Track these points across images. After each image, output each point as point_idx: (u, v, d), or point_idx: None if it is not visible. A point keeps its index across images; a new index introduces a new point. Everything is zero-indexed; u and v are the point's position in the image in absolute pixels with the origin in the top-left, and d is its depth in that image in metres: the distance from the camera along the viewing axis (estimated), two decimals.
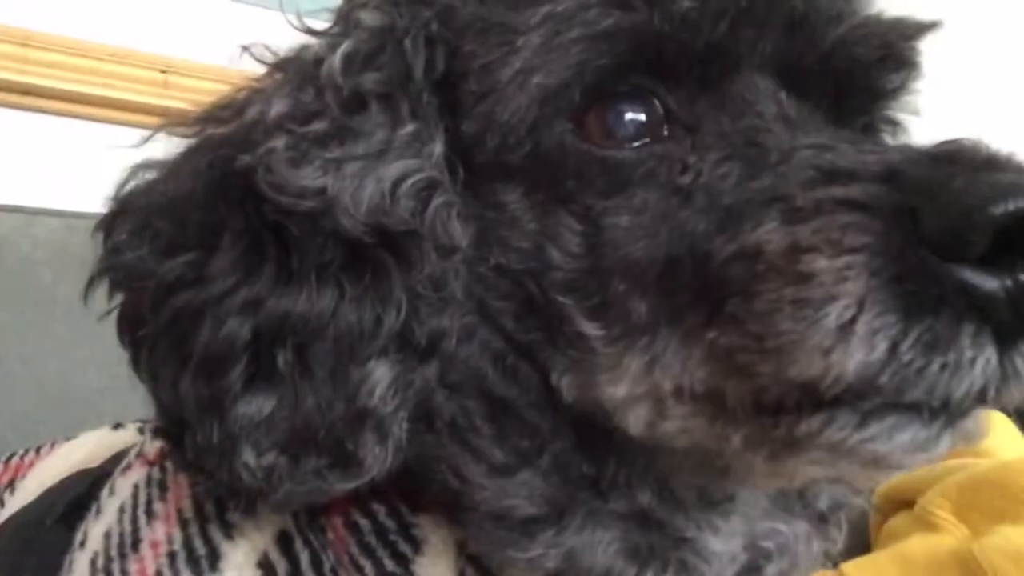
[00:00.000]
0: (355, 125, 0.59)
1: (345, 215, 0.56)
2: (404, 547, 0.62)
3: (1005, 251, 0.45)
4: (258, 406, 0.56)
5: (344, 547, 0.62)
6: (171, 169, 0.64)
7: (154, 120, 0.67)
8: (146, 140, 0.65)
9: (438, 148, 0.60)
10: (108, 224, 0.62)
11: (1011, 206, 0.45)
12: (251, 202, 0.58)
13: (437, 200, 0.58)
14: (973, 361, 0.46)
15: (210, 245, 0.58)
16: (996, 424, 1.38)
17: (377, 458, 0.57)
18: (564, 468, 0.60)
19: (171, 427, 0.59)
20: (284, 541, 0.64)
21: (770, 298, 0.49)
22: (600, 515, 0.60)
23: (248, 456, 0.55)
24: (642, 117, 0.58)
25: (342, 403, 0.55)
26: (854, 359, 0.46)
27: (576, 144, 0.58)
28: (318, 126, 0.59)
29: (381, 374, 0.56)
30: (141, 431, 0.98)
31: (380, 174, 0.57)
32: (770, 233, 0.50)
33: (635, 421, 0.57)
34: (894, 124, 0.69)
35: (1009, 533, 1.09)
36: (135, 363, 0.61)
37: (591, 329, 0.57)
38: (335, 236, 0.56)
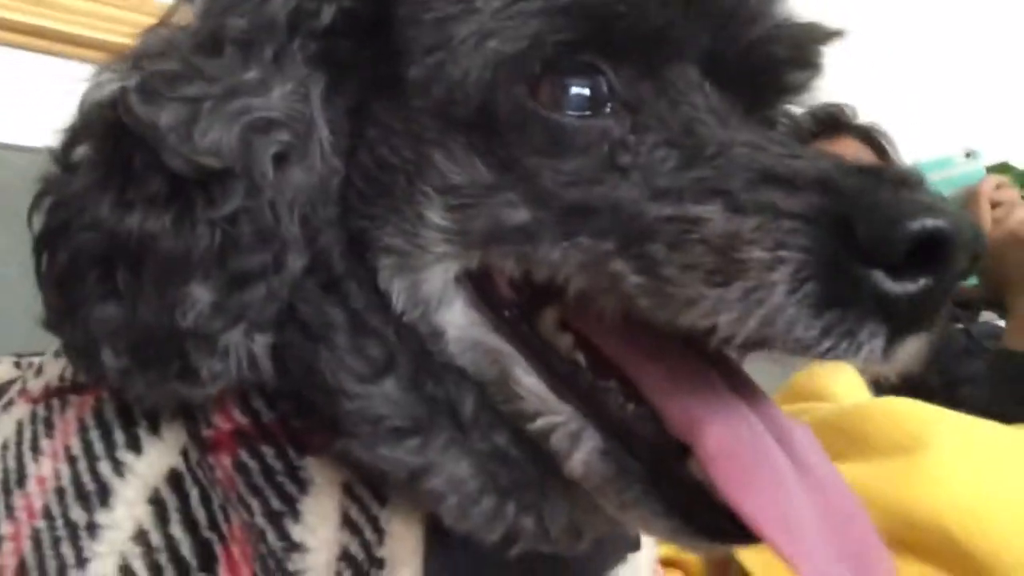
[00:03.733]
0: (205, 67, 0.62)
1: (169, 151, 0.60)
2: (291, 487, 0.65)
3: (917, 260, 0.52)
4: (109, 314, 0.61)
5: (232, 486, 0.65)
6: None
7: None
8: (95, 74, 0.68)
9: (288, 89, 0.63)
10: (58, 145, 0.66)
11: (929, 223, 0.52)
12: (113, 133, 0.62)
13: (265, 139, 0.62)
14: (861, 346, 0.53)
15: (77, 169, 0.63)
16: (841, 372, 1.50)
17: (215, 371, 0.62)
18: (418, 385, 0.65)
19: (52, 326, 0.66)
20: (174, 479, 0.66)
21: (690, 261, 0.55)
22: (461, 445, 0.65)
23: (107, 357, 0.62)
24: (587, 91, 0.62)
25: (167, 319, 0.60)
26: (754, 322, 0.53)
27: (526, 103, 0.61)
28: (168, 65, 0.63)
29: (198, 296, 0.60)
30: (17, 365, 0.98)
31: (217, 114, 0.61)
32: (712, 214, 0.56)
33: (452, 319, 0.64)
34: (789, 116, 0.75)
35: (842, 469, 1.18)
36: (35, 268, 0.66)
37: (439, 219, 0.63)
38: (164, 169, 0.60)
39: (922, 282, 0.53)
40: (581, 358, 0.63)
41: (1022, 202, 2.07)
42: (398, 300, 0.64)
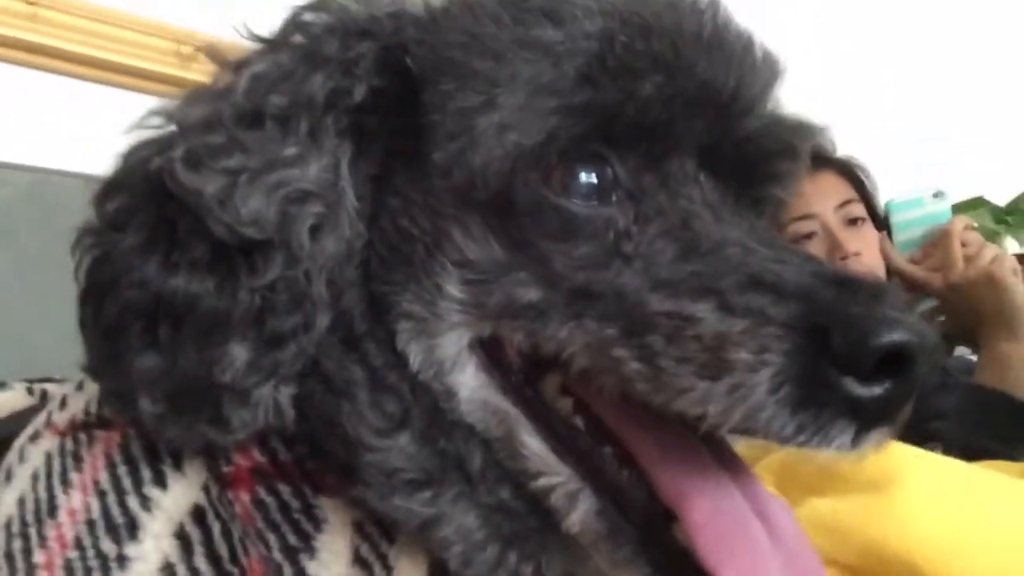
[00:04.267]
0: (247, 140, 0.67)
1: (214, 219, 0.65)
2: (306, 524, 0.69)
3: (882, 368, 0.59)
4: (149, 364, 0.66)
5: (251, 521, 0.69)
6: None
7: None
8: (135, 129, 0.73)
9: (323, 164, 0.68)
10: (98, 194, 0.71)
11: (896, 337, 0.58)
12: (157, 197, 0.67)
13: (302, 211, 0.66)
14: (832, 440, 0.59)
15: (126, 227, 0.68)
16: None
17: (244, 420, 0.67)
18: (431, 440, 0.69)
19: (93, 371, 0.71)
20: (198, 513, 0.70)
21: (685, 355, 0.61)
22: (469, 498, 0.69)
23: (145, 403, 0.67)
24: (595, 180, 0.68)
25: (205, 373, 0.65)
26: (740, 414, 0.59)
27: (539, 189, 0.67)
28: (214, 138, 0.67)
29: (236, 354, 0.65)
30: (30, 391, 1.01)
31: (257, 185, 0.66)
32: (705, 313, 0.61)
33: (465, 380, 0.69)
34: (777, 201, 0.81)
35: (816, 504, 1.24)
36: (80, 317, 0.70)
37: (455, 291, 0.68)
38: (208, 236, 0.65)
39: (888, 386, 0.59)
40: (580, 422, 0.69)
41: (988, 244, 2.14)
42: (414, 361, 0.69)
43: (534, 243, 0.67)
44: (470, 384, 0.70)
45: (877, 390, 0.59)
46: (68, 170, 1.71)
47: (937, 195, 2.26)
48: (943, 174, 2.60)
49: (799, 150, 0.76)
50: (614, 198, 0.68)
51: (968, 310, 2.04)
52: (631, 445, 0.68)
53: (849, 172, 2.41)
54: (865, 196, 2.38)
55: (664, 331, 0.62)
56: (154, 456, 0.72)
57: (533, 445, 0.68)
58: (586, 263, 0.66)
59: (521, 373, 0.69)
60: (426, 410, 0.70)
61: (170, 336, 0.66)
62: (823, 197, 2.32)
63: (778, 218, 0.81)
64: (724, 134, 0.70)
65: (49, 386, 0.95)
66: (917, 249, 2.17)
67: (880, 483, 1.26)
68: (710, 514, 0.64)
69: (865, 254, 2.22)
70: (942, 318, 2.12)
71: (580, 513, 0.67)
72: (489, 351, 0.70)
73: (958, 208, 2.48)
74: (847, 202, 2.33)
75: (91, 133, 1.65)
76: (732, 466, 0.69)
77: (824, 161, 2.41)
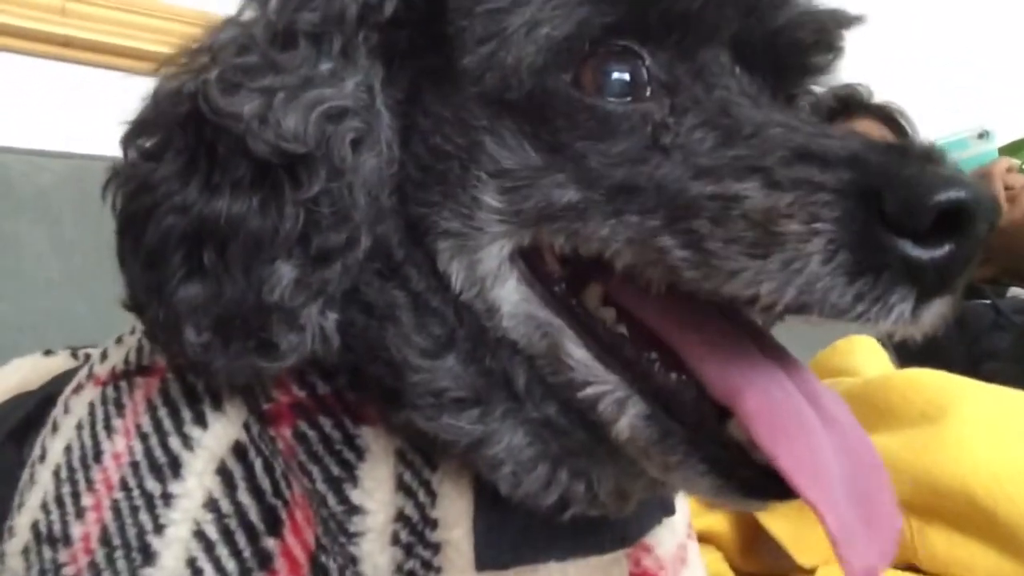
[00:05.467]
0: (281, 59, 0.67)
1: (254, 138, 0.64)
2: (348, 454, 0.69)
3: (941, 229, 0.56)
4: (194, 292, 0.65)
5: (293, 455, 0.69)
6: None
7: None
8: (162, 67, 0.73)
9: (358, 80, 0.67)
10: (127, 134, 0.71)
11: (952, 194, 0.55)
12: (193, 122, 0.66)
13: (341, 126, 0.66)
14: (892, 309, 0.57)
15: (162, 158, 0.67)
16: (862, 346, 1.53)
17: (292, 344, 0.66)
18: (476, 359, 0.69)
19: (135, 306, 0.69)
20: (239, 450, 0.70)
21: (733, 235, 0.59)
22: (517, 415, 0.68)
23: (190, 334, 0.65)
24: (628, 76, 0.66)
25: (253, 296, 0.64)
26: (793, 290, 0.57)
27: (571, 91, 0.65)
28: (248, 59, 0.67)
29: (283, 273, 0.64)
30: (74, 355, 1.02)
31: (295, 103, 0.65)
32: (751, 191, 0.59)
33: (507, 295, 0.68)
34: (813, 96, 0.79)
35: None
36: (118, 251, 0.70)
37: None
38: (249, 155, 0.65)
39: (947, 248, 0.57)
40: (624, 330, 0.67)
41: None
42: (456, 280, 0.68)
43: (569, 145, 0.65)
44: (512, 298, 0.68)
45: (936, 253, 0.57)
46: (104, 155, 1.74)
47: (982, 135, 2.20)
48: (981, 117, 2.53)
49: (834, 41, 0.74)
50: (648, 92, 0.66)
51: (1016, 251, 2.00)
52: (678, 347, 0.66)
53: (889, 118, 2.38)
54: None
55: (709, 214, 0.60)
56: (193, 398, 0.72)
57: (579, 355, 0.67)
58: (624, 159, 0.64)
59: (563, 282, 0.69)
60: (471, 330, 0.69)
61: (215, 261, 0.65)
62: None
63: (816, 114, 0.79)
64: (756, 25, 0.68)
65: (91, 350, 0.96)
66: None
67: (932, 415, 1.25)
68: (763, 403, 0.63)
69: None
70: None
71: (629, 419, 0.65)
72: (530, 263, 0.69)
73: (1003, 150, 2.43)
74: None
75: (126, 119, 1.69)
76: (780, 357, 0.67)
77: (861, 107, 2.38)
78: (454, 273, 0.68)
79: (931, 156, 0.59)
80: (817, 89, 0.78)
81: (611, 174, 0.64)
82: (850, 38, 0.74)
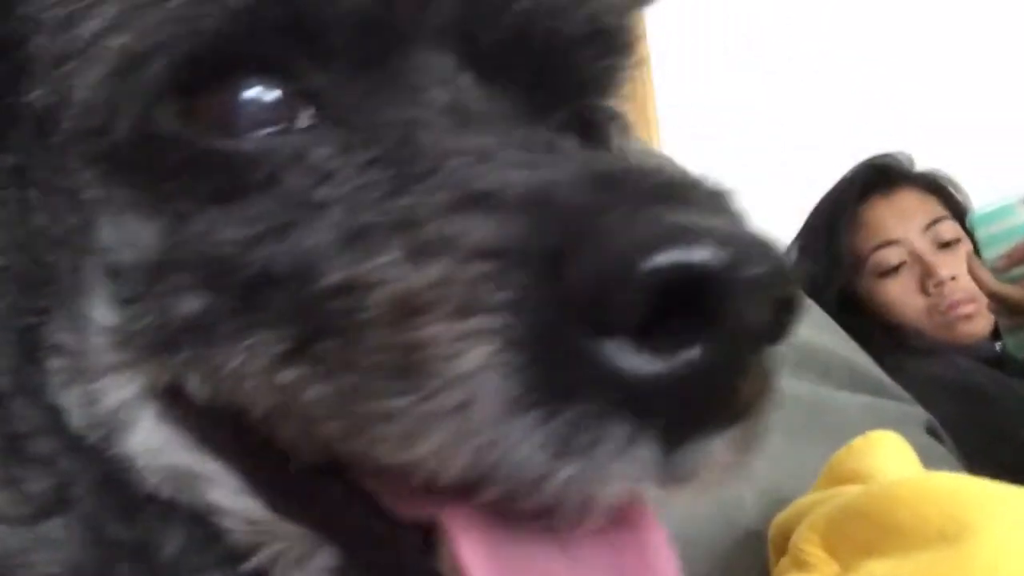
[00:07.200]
0: None
1: None
2: None
3: (682, 317, 0.34)
4: None
5: None
6: None
7: None
8: None
9: None
10: None
11: (676, 257, 0.33)
12: None
13: None
14: (603, 468, 0.35)
15: None
16: (882, 444, 1.27)
17: None
18: (97, 527, 0.48)
19: None
20: None
21: (365, 356, 0.37)
22: None
23: None
24: (269, 98, 0.45)
25: None
26: (462, 456, 0.36)
27: (181, 131, 0.44)
28: None
29: None
30: None
31: None
32: (384, 269, 0.38)
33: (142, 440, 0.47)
34: (612, 116, 0.58)
35: (873, 567, 0.98)
36: None
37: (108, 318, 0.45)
38: None
39: (684, 354, 0.34)
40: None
41: None
42: (72, 418, 0.48)
43: (189, 216, 0.44)
44: (151, 445, 0.47)
45: (663, 363, 0.34)
46: None
47: None
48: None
49: (616, 32, 0.52)
50: (303, 119, 0.45)
51: None
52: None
53: (934, 186, 2.18)
54: (957, 212, 2.11)
55: (337, 320, 0.39)
56: None
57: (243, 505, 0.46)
58: (264, 230, 0.43)
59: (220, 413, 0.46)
60: (95, 484, 0.48)
61: None
62: (905, 219, 2.10)
63: (615, 138, 0.57)
64: (487, 18, 0.47)
65: None
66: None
67: (952, 534, 0.99)
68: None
69: (962, 278, 1.97)
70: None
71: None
72: (174, 393, 0.47)
73: None
74: (935, 221, 2.10)
75: None
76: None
77: (903, 177, 2.18)
78: (70, 408, 0.48)
79: (663, 189, 0.37)
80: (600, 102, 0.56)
81: (246, 259, 0.43)
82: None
